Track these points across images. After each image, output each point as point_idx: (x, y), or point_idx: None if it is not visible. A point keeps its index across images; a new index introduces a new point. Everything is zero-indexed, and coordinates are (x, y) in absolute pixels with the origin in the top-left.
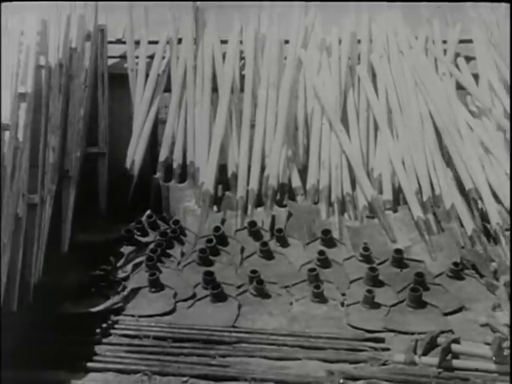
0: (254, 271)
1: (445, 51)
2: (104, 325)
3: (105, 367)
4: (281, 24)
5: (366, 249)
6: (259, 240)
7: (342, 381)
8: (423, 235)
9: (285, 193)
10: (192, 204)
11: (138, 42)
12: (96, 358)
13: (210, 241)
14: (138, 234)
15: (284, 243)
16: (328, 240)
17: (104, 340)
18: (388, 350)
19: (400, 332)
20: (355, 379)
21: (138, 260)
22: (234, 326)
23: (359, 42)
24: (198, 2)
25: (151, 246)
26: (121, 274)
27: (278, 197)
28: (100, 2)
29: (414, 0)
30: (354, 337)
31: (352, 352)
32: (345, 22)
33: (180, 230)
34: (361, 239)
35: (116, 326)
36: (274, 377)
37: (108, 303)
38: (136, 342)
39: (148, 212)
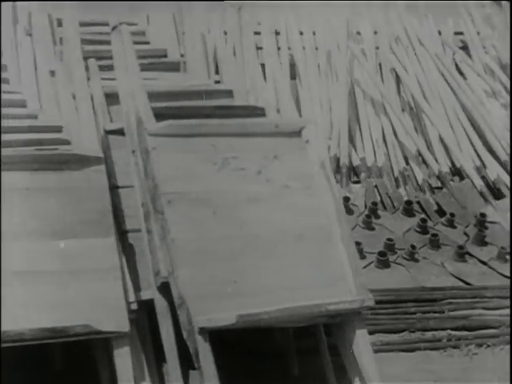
0: (390, 239)
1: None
2: None
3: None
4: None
5: (452, 214)
6: (350, 214)
7: None
8: (489, 200)
9: (350, 171)
10: None
11: None
12: None
13: None
14: None
15: (376, 215)
16: (410, 210)
17: None
18: None
19: None
20: None
21: None
22: (423, 287)
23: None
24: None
25: None
26: None
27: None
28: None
29: None
30: None
31: None
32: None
33: None
34: (431, 208)
35: None
36: None
37: None
38: None
39: None
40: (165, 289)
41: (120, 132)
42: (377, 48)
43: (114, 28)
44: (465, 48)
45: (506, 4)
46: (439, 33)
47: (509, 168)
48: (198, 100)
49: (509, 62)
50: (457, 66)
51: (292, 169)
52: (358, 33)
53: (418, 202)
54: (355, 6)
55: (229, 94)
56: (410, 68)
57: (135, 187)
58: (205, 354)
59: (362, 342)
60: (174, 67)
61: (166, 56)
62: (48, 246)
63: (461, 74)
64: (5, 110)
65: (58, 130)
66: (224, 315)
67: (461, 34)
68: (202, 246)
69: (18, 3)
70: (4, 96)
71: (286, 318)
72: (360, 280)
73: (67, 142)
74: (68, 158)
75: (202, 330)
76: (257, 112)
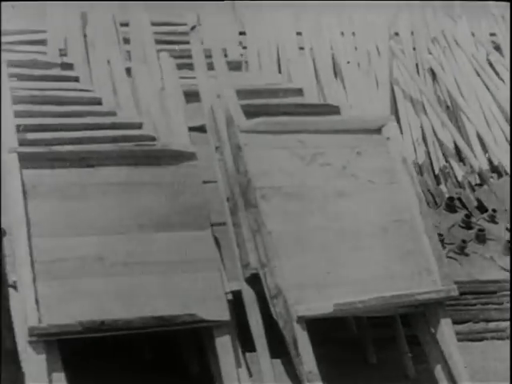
0: (439, 234)
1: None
2: None
3: None
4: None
5: (494, 210)
6: None
7: None
8: None
9: None
10: None
11: None
12: None
13: None
14: None
15: None
16: (452, 206)
17: None
18: None
19: None
20: None
21: None
22: (478, 280)
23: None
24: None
25: None
26: None
27: None
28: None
29: None
30: None
31: None
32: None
33: None
34: (472, 204)
35: None
36: None
37: None
38: None
39: None
40: (253, 280)
41: (199, 129)
42: (414, 49)
43: (192, 28)
44: (497, 49)
45: None
46: (472, 34)
47: None
48: (270, 98)
49: None
50: (491, 65)
51: (375, 164)
52: (396, 34)
53: (459, 199)
54: (393, 7)
55: (299, 92)
56: (447, 68)
57: (219, 182)
58: (303, 342)
59: (446, 331)
60: (236, 66)
61: (226, 55)
62: (150, 238)
63: (496, 74)
64: (81, 108)
65: (139, 126)
66: (321, 304)
67: (493, 35)
68: (297, 238)
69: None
70: (76, 94)
71: (377, 307)
72: (444, 271)
73: (152, 139)
74: (164, 153)
75: (300, 319)
76: (332, 110)
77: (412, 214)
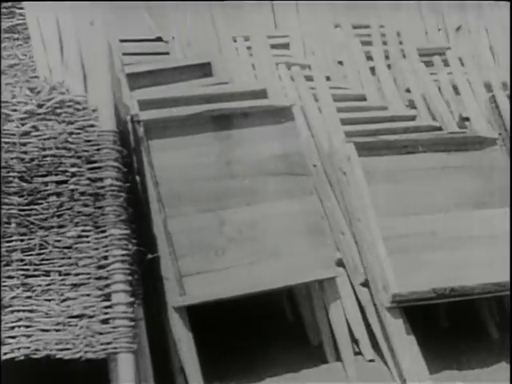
0: None
1: None
2: None
3: None
4: None
5: None
6: None
7: None
8: None
9: None
10: None
11: None
12: None
13: None
14: None
15: None
16: None
17: None
18: None
19: None
20: None
21: None
22: None
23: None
24: None
25: None
26: None
27: None
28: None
29: None
30: None
31: None
32: None
33: None
34: None
35: None
36: None
37: None
38: None
39: None
40: None
41: None
42: None
43: (458, 28)
44: None
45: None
46: None
47: None
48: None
49: None
50: None
51: None
52: None
53: None
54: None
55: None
56: None
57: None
58: None
59: None
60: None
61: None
62: (468, 215)
63: None
64: (350, 104)
65: (412, 118)
66: None
67: None
68: None
69: None
70: (337, 91)
71: None
72: None
73: (438, 128)
74: (471, 140)
75: None
76: None
77: None
